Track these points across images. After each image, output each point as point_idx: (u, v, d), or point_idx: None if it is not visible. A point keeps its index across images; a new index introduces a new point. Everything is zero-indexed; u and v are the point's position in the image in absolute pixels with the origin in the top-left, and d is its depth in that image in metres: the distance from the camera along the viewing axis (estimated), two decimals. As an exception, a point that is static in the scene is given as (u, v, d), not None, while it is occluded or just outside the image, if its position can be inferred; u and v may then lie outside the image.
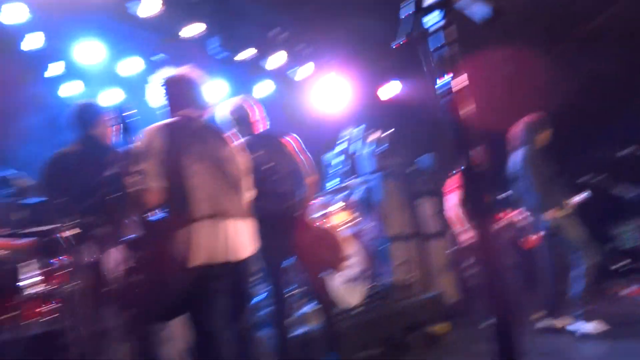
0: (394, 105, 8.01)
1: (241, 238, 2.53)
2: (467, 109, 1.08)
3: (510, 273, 5.47)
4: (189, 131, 2.57)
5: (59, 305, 2.47)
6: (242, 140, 3.46)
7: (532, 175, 4.38)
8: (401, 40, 1.21)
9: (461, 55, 1.13)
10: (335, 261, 3.78)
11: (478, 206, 1.05)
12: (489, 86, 8.10)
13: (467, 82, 1.10)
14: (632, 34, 7.40)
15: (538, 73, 8.32)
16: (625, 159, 7.17)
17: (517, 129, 4.74)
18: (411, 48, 1.24)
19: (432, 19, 1.15)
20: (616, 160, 7.28)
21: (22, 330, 2.28)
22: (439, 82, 1.12)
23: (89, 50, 5.04)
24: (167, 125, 2.54)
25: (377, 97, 8.08)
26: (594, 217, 8.36)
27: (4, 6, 4.42)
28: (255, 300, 4.22)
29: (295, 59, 6.76)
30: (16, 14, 4.47)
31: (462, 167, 1.06)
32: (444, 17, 1.15)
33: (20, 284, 2.30)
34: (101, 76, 5.31)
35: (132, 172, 2.39)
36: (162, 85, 2.75)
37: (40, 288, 2.46)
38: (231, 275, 2.49)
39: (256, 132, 3.60)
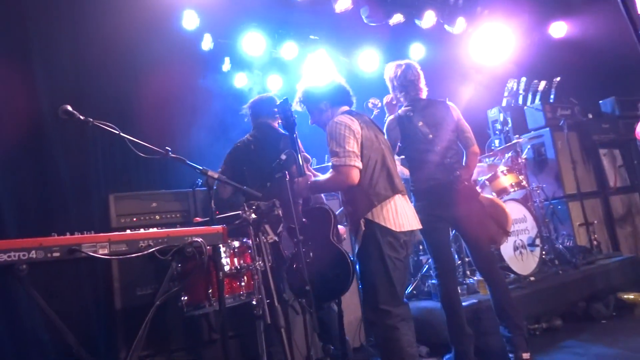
0: (564, 45, 7.16)
1: (413, 211, 2.88)
2: None
3: None
4: (367, 122, 2.87)
5: (249, 280, 2.81)
6: (408, 106, 3.48)
7: None
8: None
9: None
10: (499, 233, 3.66)
11: None
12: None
13: None
14: None
15: None
16: None
17: None
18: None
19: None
20: None
21: (224, 302, 2.61)
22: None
23: (253, 42, 5.45)
24: (355, 115, 2.83)
25: (544, 38, 7.30)
26: None
27: (185, 12, 5.01)
28: (423, 271, 4.34)
29: (449, 13, 6.42)
30: (191, 20, 5.04)
31: None
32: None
33: (222, 261, 2.60)
34: (265, 64, 5.74)
35: (335, 152, 2.69)
36: (324, 87, 3.01)
37: (235, 266, 2.79)
38: (411, 244, 2.84)
39: (421, 97, 3.52)
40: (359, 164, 2.67)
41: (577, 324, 4.05)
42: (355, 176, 2.66)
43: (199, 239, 2.35)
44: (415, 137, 3.36)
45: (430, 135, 3.34)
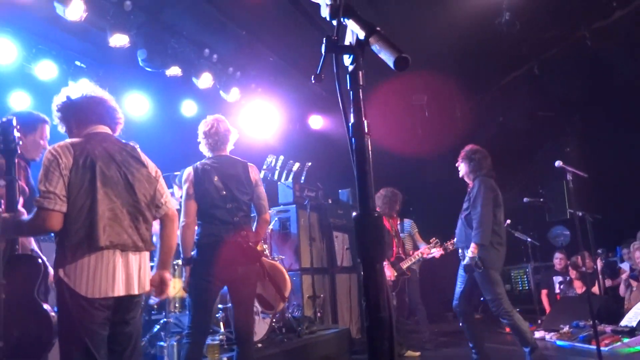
0: (319, 136, 8.18)
1: (138, 272, 2.44)
2: (368, 156, 1.09)
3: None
4: (101, 152, 2.43)
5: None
6: (208, 160, 3.39)
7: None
8: (314, 78, 1.19)
9: (364, 100, 1.14)
10: (277, 299, 3.70)
11: (368, 250, 1.04)
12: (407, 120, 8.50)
13: (368, 132, 1.10)
14: (544, 91, 8.11)
15: (457, 119, 8.88)
16: (528, 205, 7.77)
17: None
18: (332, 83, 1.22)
19: (347, 60, 1.15)
20: (519, 206, 7.87)
21: None
22: (350, 123, 1.12)
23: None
24: (77, 143, 2.40)
25: (304, 127, 8.21)
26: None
27: None
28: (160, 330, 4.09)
29: (226, 81, 6.73)
30: None
31: (357, 212, 1.06)
32: (352, 62, 1.15)
33: None
34: (12, 78, 4.99)
35: (39, 189, 2.27)
36: (66, 102, 2.56)
37: None
38: (125, 310, 2.42)
39: (225, 154, 3.47)
40: (62, 208, 2.27)
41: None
42: (56, 222, 2.27)
43: None
44: (208, 191, 3.27)
45: (224, 192, 3.28)
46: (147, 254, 2.53)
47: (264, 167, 6.30)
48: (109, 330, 2.36)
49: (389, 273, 5.36)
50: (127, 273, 2.38)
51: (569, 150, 8.72)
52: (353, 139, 1.06)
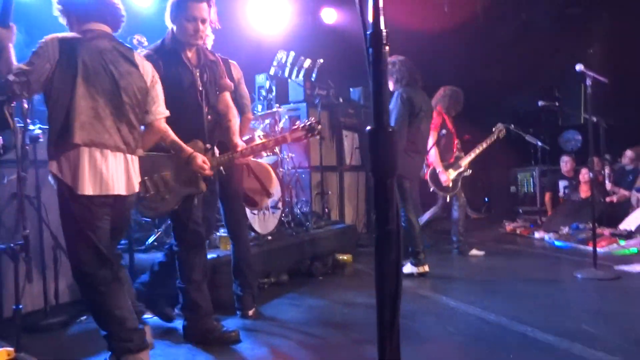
0: (332, 31, 7.85)
1: (125, 174, 2.45)
2: (386, 68, 1.03)
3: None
4: (90, 49, 2.38)
5: None
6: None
7: None
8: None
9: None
10: (262, 194, 3.83)
11: (379, 166, 1.03)
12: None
13: (387, 42, 1.03)
14: None
15: (477, 14, 8.43)
16: (542, 109, 7.65)
17: None
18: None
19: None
20: (533, 109, 7.76)
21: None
22: (368, 31, 1.04)
23: None
24: (67, 38, 2.37)
25: (316, 20, 7.85)
26: (503, 160, 9.05)
27: None
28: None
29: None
30: None
31: (371, 127, 1.03)
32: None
33: None
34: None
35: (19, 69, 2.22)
36: None
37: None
38: (113, 208, 2.45)
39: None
40: (27, 88, 2.23)
41: (300, 279, 4.57)
42: (17, 90, 2.23)
43: None
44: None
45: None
46: (132, 157, 2.49)
47: (274, 63, 6.14)
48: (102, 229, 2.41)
49: (445, 178, 5.42)
50: (111, 173, 2.36)
51: (591, 52, 8.37)
52: (370, 49, 1.02)
